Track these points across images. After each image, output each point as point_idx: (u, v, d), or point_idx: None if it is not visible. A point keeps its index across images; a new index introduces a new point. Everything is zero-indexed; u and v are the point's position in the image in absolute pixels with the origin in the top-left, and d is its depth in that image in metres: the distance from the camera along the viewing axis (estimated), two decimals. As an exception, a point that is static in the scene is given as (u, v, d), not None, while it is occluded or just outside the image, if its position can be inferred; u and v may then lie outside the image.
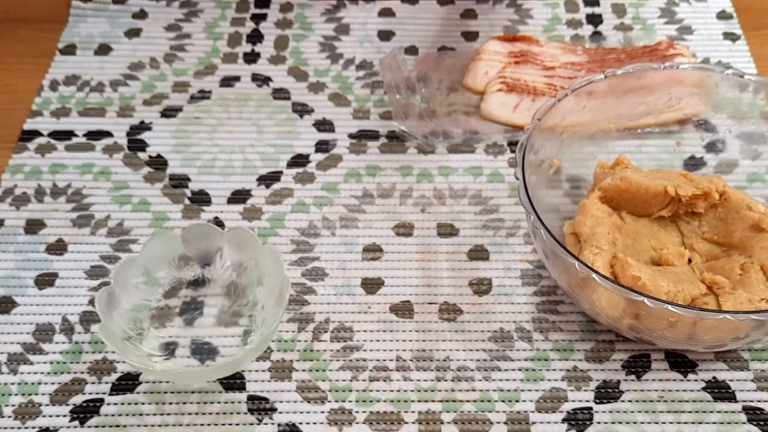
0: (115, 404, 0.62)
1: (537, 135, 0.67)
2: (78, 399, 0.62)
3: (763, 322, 0.57)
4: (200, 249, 0.67)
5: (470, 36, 0.89)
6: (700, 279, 0.64)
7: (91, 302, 0.67)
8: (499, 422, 0.61)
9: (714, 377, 0.63)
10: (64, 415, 0.61)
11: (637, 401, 0.62)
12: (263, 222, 0.73)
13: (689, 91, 0.73)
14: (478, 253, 0.70)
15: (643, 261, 0.66)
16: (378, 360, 0.64)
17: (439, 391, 0.63)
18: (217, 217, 0.73)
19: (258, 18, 0.91)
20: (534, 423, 0.61)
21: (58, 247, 0.71)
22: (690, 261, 0.67)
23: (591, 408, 0.62)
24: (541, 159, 0.68)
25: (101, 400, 0.62)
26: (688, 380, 0.63)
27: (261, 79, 0.84)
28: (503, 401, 0.62)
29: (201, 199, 0.74)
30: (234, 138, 0.79)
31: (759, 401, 0.62)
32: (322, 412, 0.61)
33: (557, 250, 0.59)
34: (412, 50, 0.87)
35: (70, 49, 0.87)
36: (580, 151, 0.72)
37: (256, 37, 0.89)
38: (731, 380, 0.63)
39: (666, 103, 0.73)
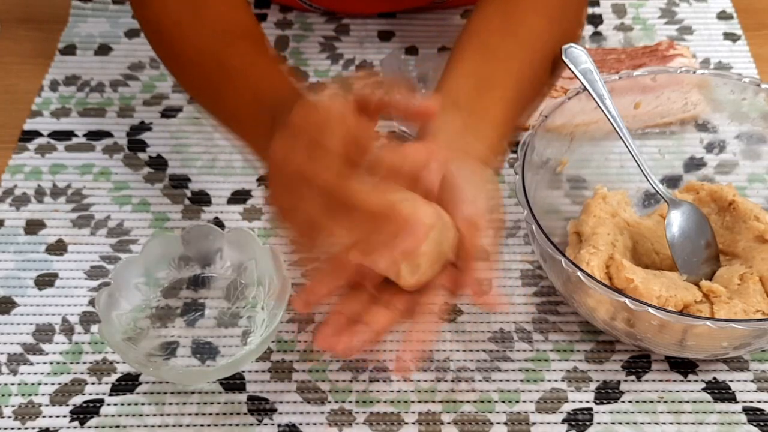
0: (115, 405, 0.62)
1: (541, 134, 0.67)
2: (78, 399, 0.62)
3: (762, 331, 0.57)
4: (200, 249, 0.67)
5: (470, 36, 0.88)
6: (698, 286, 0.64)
7: (91, 302, 0.67)
8: (499, 423, 0.61)
9: (714, 378, 0.63)
10: (64, 416, 0.61)
11: (637, 402, 0.62)
12: (263, 222, 0.73)
13: (701, 96, 0.73)
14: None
15: (644, 264, 0.66)
16: (378, 361, 0.64)
17: (439, 391, 0.62)
18: (217, 218, 0.73)
19: (258, 18, 0.90)
20: (534, 423, 0.61)
21: (58, 248, 0.71)
22: None
23: (591, 408, 0.62)
24: (545, 158, 0.68)
25: (101, 401, 0.62)
26: (688, 381, 0.63)
27: (261, 80, 0.84)
28: (503, 402, 0.62)
29: (201, 199, 0.74)
30: (234, 138, 0.79)
31: (759, 402, 0.62)
32: (322, 413, 0.61)
33: (545, 245, 0.60)
34: (412, 50, 0.87)
35: (70, 50, 0.87)
36: (581, 152, 0.71)
37: (256, 37, 0.88)
38: (731, 381, 0.63)
39: (681, 108, 0.74)
